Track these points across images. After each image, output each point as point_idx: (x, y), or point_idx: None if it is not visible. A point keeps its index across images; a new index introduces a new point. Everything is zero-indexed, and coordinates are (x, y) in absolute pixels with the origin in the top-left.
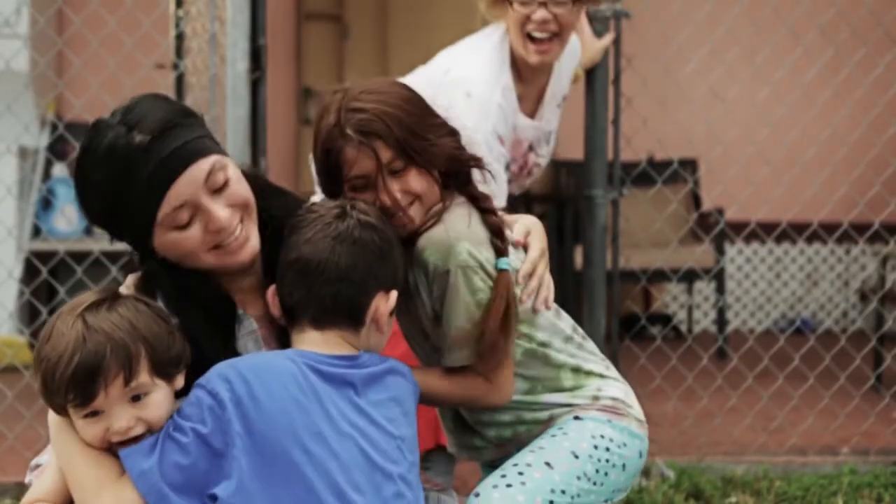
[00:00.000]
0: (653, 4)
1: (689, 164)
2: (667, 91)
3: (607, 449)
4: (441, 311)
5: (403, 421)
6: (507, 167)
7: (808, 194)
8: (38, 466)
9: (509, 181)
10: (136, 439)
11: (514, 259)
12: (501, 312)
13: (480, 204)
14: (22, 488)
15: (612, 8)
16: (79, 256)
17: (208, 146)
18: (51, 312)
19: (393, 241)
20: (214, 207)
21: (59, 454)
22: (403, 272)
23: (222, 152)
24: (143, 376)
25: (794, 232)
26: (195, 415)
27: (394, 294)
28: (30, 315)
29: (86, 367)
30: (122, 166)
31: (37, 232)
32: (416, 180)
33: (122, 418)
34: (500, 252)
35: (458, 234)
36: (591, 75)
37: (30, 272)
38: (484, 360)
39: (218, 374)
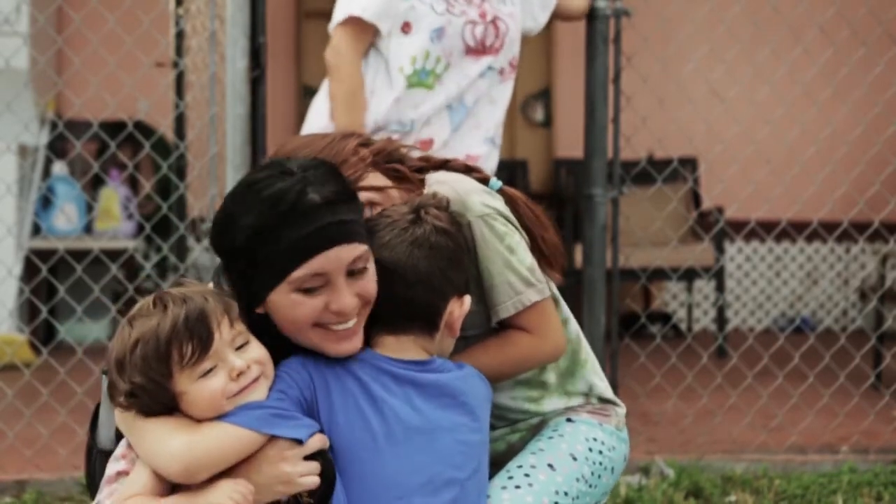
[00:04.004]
0: (653, 3)
1: (689, 163)
2: (666, 90)
3: (600, 452)
4: (477, 269)
5: (471, 426)
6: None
7: (808, 193)
8: (114, 474)
9: (484, 47)
10: (253, 388)
11: None
12: (531, 214)
13: (439, 164)
14: (21, 486)
15: (612, 6)
16: (78, 255)
17: (364, 235)
18: (51, 311)
19: (464, 247)
20: (345, 290)
21: (141, 433)
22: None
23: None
24: (241, 324)
25: (793, 230)
26: (281, 381)
27: (467, 299)
28: (29, 313)
29: (195, 313)
30: (283, 216)
31: (36, 230)
32: (371, 193)
33: (237, 360)
34: (485, 180)
35: (465, 188)
36: (591, 74)
37: (29, 270)
38: (555, 261)
39: (299, 363)
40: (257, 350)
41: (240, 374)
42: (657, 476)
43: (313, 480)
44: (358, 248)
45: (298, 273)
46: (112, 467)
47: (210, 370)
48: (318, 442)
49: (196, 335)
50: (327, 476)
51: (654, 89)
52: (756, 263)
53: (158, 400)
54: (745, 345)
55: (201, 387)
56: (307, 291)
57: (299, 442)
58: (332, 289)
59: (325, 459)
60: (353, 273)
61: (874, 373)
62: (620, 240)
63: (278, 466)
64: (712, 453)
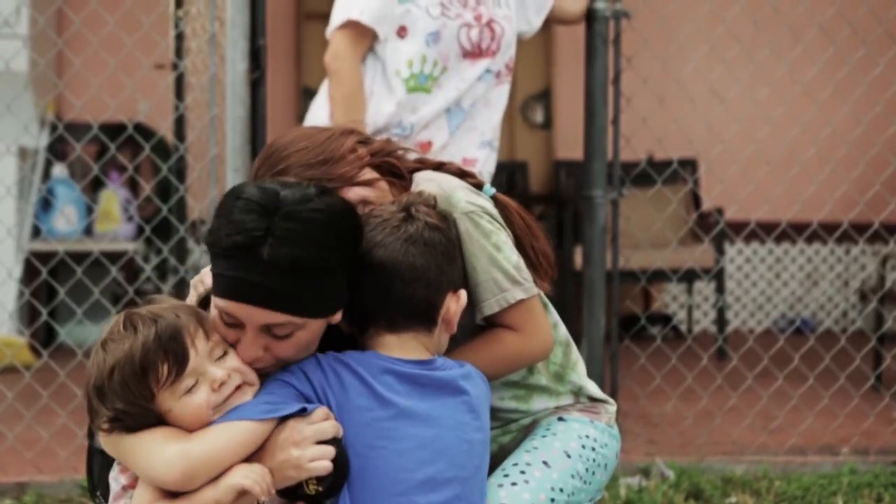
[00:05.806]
0: (653, 4)
1: (689, 164)
2: (666, 90)
3: (593, 449)
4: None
5: (474, 425)
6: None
7: (808, 194)
8: (120, 490)
9: (481, 49)
10: (238, 396)
11: None
12: (523, 223)
13: (434, 167)
14: (22, 488)
15: (611, 7)
16: (78, 257)
17: (304, 307)
18: (51, 313)
19: (456, 242)
20: (251, 343)
21: (131, 450)
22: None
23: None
24: (216, 335)
25: (793, 232)
26: (282, 374)
27: (463, 293)
28: (29, 315)
29: (167, 332)
30: (222, 246)
31: (36, 232)
32: (366, 191)
33: (217, 371)
34: (479, 186)
35: (450, 185)
36: (591, 75)
37: (29, 272)
38: (544, 271)
39: (296, 367)
40: (236, 359)
41: (221, 384)
42: (657, 477)
43: (324, 465)
44: (277, 317)
45: (217, 302)
46: (115, 484)
47: (192, 386)
48: (331, 428)
49: (170, 354)
50: (340, 464)
51: (654, 90)
52: (756, 265)
53: (144, 420)
54: (746, 346)
55: (185, 403)
56: (225, 321)
57: (304, 412)
58: (243, 333)
59: (339, 448)
60: (275, 335)
61: (874, 374)
62: (620, 241)
63: (288, 451)
64: (712, 455)
